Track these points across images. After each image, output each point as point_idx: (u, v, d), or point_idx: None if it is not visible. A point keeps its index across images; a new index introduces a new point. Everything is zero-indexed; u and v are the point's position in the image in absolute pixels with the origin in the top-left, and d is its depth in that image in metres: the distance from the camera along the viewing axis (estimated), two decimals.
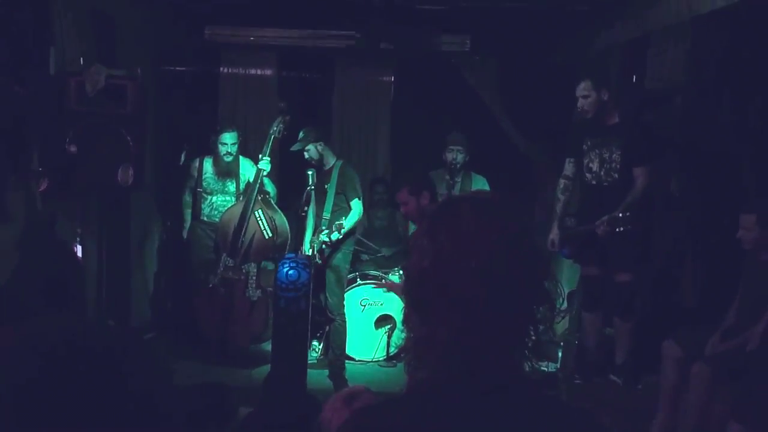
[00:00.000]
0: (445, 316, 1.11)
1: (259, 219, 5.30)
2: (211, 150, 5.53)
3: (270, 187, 5.50)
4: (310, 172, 4.90)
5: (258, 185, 5.27)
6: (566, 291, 5.68)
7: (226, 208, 5.50)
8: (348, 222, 5.09)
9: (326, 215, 5.18)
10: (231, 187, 5.60)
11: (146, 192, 5.54)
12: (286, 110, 5.44)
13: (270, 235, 5.32)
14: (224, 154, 5.44)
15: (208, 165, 5.58)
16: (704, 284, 4.54)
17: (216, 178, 5.58)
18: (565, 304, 5.62)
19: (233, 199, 5.58)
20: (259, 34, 6.38)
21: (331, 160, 5.26)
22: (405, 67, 6.78)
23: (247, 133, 6.23)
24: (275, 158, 6.22)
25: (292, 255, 4.46)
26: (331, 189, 5.20)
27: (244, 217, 5.25)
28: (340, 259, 5.24)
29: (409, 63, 6.64)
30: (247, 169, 5.58)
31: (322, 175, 5.25)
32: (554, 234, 4.72)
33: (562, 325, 5.70)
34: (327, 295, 5.23)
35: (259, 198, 5.32)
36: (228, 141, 5.42)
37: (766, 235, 3.70)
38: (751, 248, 3.77)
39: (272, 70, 6.76)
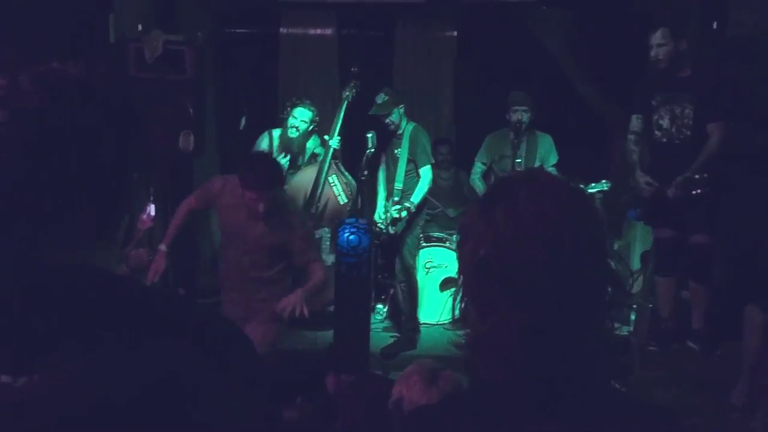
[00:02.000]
0: (509, 310, 0.99)
1: (333, 184, 5.22)
2: (281, 121, 5.32)
3: (335, 143, 5.28)
4: (369, 135, 4.76)
5: (331, 154, 5.14)
6: (640, 250, 5.47)
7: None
8: (418, 193, 4.98)
9: (398, 185, 5.05)
10: (298, 161, 5.39)
11: (209, 158, 5.53)
12: (358, 75, 5.19)
13: (345, 200, 5.24)
14: (290, 128, 5.20)
15: (276, 140, 5.35)
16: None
17: (279, 152, 5.31)
18: (639, 266, 5.41)
19: (294, 171, 5.35)
20: None
21: (403, 124, 5.07)
22: (469, 23, 6.52)
23: (308, 94, 6.15)
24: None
25: (353, 220, 4.38)
26: (402, 155, 5.04)
27: (317, 183, 5.15)
28: (418, 222, 5.17)
29: (474, 18, 6.38)
30: (313, 145, 5.38)
31: (394, 141, 5.10)
32: (644, 181, 4.36)
33: (635, 287, 5.50)
34: (396, 260, 5.15)
35: (333, 163, 5.21)
36: (298, 116, 5.19)
37: None
38: None
39: (332, 29, 6.63)
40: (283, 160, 5.18)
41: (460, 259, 1.07)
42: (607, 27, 5.92)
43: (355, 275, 4.30)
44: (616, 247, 5.77)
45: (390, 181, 5.14)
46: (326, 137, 5.20)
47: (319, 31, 6.60)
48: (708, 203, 4.11)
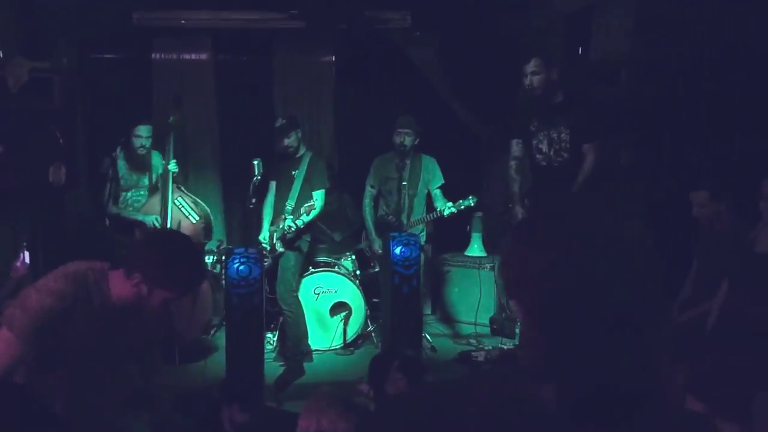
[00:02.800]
0: (585, 331, 1.00)
1: (181, 206, 5.23)
2: (124, 145, 5.31)
3: (173, 166, 5.24)
4: (255, 162, 4.71)
5: (171, 179, 5.14)
6: None
7: (138, 203, 5.32)
8: (313, 212, 4.99)
9: (291, 203, 5.10)
10: (144, 180, 5.40)
11: (82, 190, 5.25)
12: (179, 100, 5.33)
13: (198, 218, 5.25)
14: (138, 147, 5.24)
15: (121, 161, 5.34)
16: (660, 257, 4.55)
17: (130, 173, 5.36)
18: None
19: (146, 192, 5.38)
20: (191, 16, 6.10)
21: (302, 149, 5.25)
22: (346, 48, 6.59)
23: (184, 119, 6.00)
24: (218, 151, 6.00)
25: (242, 250, 4.27)
26: (299, 176, 5.16)
27: (165, 210, 5.12)
28: (302, 245, 5.19)
29: (351, 43, 6.45)
30: (158, 162, 5.37)
31: (290, 163, 5.21)
32: (521, 213, 4.60)
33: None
34: (277, 283, 5.12)
35: (175, 186, 5.21)
36: (143, 134, 5.24)
37: (720, 209, 3.72)
38: (707, 223, 3.79)
39: (208, 55, 6.49)
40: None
41: (523, 293, 1.06)
42: (476, 52, 6.16)
43: (247, 306, 4.18)
44: (496, 264, 5.96)
45: (281, 200, 5.18)
46: (163, 162, 5.19)
47: (194, 56, 6.45)
48: None
